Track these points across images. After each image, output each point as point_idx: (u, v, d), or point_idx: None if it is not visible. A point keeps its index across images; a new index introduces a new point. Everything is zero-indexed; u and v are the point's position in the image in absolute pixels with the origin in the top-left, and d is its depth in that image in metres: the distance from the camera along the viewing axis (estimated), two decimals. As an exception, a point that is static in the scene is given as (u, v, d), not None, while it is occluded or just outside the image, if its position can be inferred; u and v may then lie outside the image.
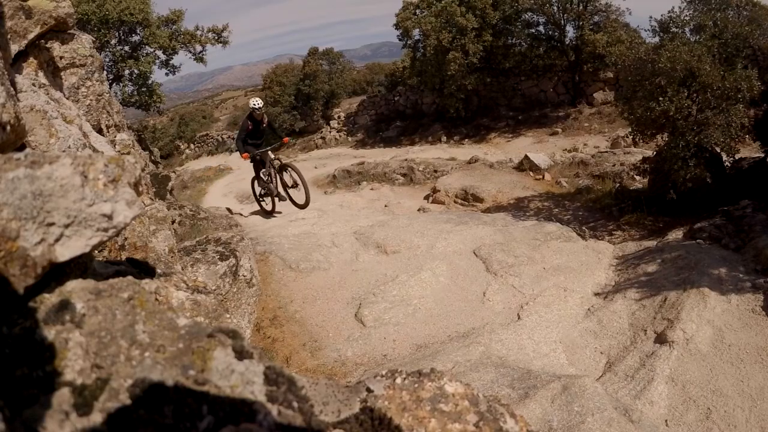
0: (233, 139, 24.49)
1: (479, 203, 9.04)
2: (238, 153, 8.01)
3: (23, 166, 0.71)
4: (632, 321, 3.37)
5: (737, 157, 7.13)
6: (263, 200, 8.29)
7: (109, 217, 0.78)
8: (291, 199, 7.85)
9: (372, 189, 10.77)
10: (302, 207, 7.54)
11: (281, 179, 7.79)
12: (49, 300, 0.73)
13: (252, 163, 8.04)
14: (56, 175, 0.73)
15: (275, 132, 8.38)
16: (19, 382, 0.63)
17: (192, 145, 25.30)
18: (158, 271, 1.40)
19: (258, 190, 8.26)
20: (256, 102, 7.81)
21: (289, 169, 7.78)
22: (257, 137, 7.96)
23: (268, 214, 8.00)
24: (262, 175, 7.92)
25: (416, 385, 0.77)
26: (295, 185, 7.57)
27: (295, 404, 0.70)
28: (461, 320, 3.38)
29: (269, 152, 7.81)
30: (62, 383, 0.64)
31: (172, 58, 16.23)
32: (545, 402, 2.41)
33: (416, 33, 16.78)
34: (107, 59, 14.73)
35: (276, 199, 7.88)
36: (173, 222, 4.40)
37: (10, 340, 0.66)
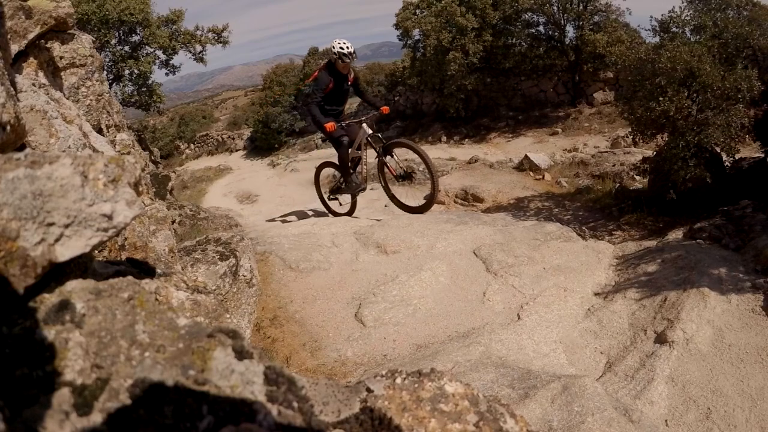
0: (233, 138, 24.57)
1: (479, 203, 9.04)
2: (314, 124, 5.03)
3: (23, 166, 0.71)
4: (632, 321, 3.37)
5: (737, 157, 7.13)
6: (335, 197, 5.70)
7: (109, 217, 0.78)
8: (393, 198, 5.30)
9: (372, 189, 10.76)
10: (418, 210, 5.06)
11: (384, 167, 5.17)
12: (49, 300, 0.73)
13: (331, 141, 5.19)
14: (56, 175, 0.73)
15: (364, 97, 5.46)
16: (19, 382, 0.63)
17: (192, 145, 25.33)
18: (158, 271, 1.40)
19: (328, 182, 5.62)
20: (344, 44, 4.87)
21: (401, 149, 5.08)
22: (337, 102, 5.17)
23: (338, 216, 5.54)
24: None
25: (416, 385, 0.77)
26: (407, 176, 5.08)
27: (295, 404, 0.70)
28: (461, 320, 3.38)
29: (365, 124, 5.04)
30: (62, 383, 0.64)
31: (172, 58, 16.24)
32: (545, 402, 2.41)
33: (416, 33, 16.79)
34: (107, 59, 14.73)
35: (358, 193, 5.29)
36: (173, 222, 4.40)
37: (10, 340, 0.66)
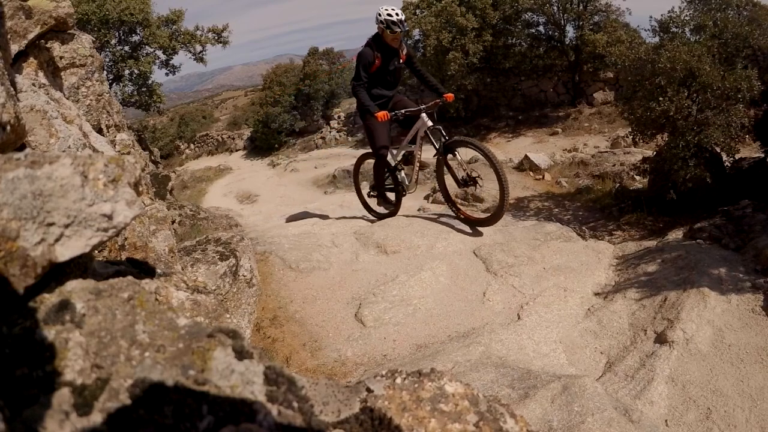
0: (233, 138, 24.59)
1: (479, 203, 9.03)
2: (361, 110, 4.25)
3: (23, 166, 0.71)
4: (632, 321, 3.37)
5: (737, 157, 7.13)
6: (375, 195, 4.92)
7: (109, 217, 0.78)
8: (454, 205, 4.61)
9: (372, 189, 10.75)
10: (485, 223, 4.33)
11: (444, 168, 4.38)
12: (49, 300, 0.73)
13: (369, 139, 4.44)
14: (56, 175, 0.73)
15: (423, 78, 4.50)
16: (19, 382, 0.63)
17: (192, 145, 25.34)
18: (158, 271, 1.40)
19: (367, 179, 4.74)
20: (392, 10, 4.05)
21: (466, 148, 4.16)
22: (385, 84, 4.34)
23: (379, 216, 4.95)
24: (390, 157, 4.49)
25: (416, 385, 0.77)
26: (471, 181, 4.24)
27: (295, 404, 0.70)
28: (461, 320, 3.38)
29: (425, 114, 4.20)
30: (62, 383, 0.64)
31: (172, 58, 16.26)
32: (545, 402, 2.41)
33: (416, 33, 16.79)
34: (107, 59, 14.75)
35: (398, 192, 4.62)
36: (173, 222, 4.40)
37: (10, 340, 0.66)
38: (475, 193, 8.12)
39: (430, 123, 4.23)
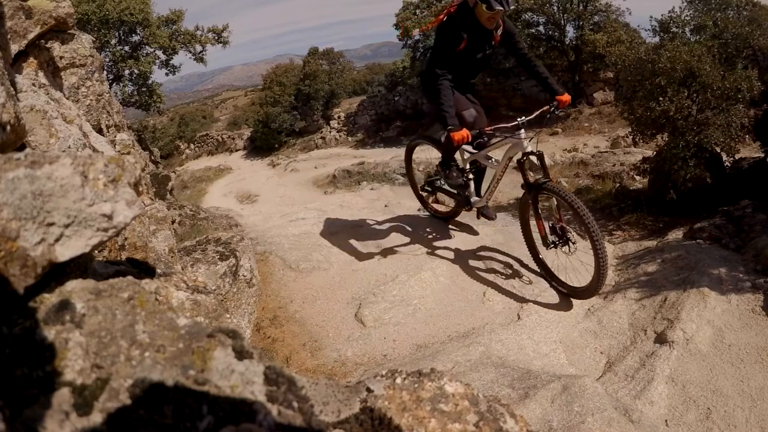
0: (233, 138, 24.61)
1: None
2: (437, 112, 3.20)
3: (23, 166, 0.71)
4: (632, 321, 3.37)
5: (737, 157, 7.13)
6: (430, 191, 4.27)
7: (109, 217, 0.78)
8: (544, 265, 3.62)
9: (372, 189, 10.77)
10: (579, 294, 3.37)
11: (530, 210, 3.50)
12: (49, 300, 0.73)
13: (445, 143, 3.58)
14: (56, 175, 0.73)
15: (530, 68, 3.38)
16: (19, 382, 0.63)
17: (192, 145, 25.36)
18: (158, 271, 1.40)
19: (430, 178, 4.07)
20: None
21: (560, 198, 3.20)
22: (466, 71, 3.39)
23: (436, 216, 4.49)
24: (459, 162, 3.77)
25: (416, 385, 0.77)
26: (561, 240, 3.33)
27: (295, 404, 0.70)
28: (461, 320, 3.38)
29: (524, 134, 3.18)
30: (62, 383, 0.64)
31: (172, 58, 16.31)
32: (545, 402, 2.41)
33: (416, 33, 16.79)
34: (107, 59, 14.77)
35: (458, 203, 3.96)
36: (173, 222, 4.40)
37: (10, 340, 0.66)
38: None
39: (529, 149, 3.13)
